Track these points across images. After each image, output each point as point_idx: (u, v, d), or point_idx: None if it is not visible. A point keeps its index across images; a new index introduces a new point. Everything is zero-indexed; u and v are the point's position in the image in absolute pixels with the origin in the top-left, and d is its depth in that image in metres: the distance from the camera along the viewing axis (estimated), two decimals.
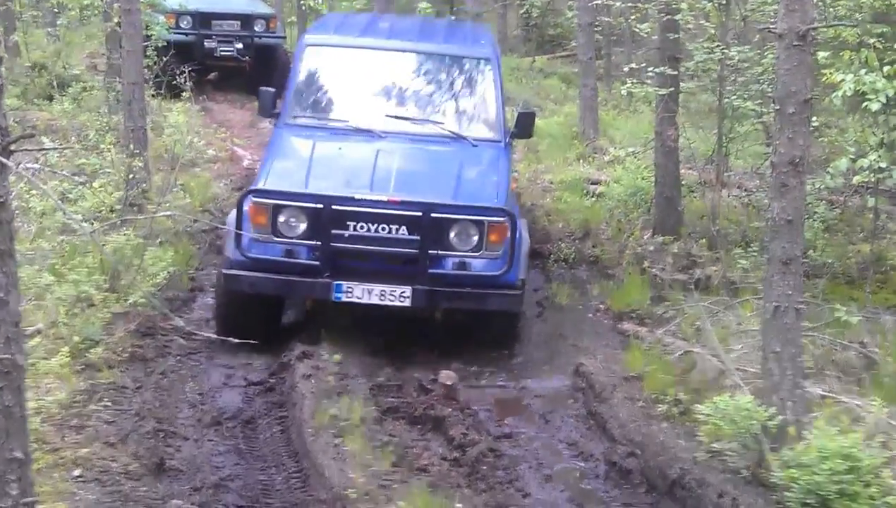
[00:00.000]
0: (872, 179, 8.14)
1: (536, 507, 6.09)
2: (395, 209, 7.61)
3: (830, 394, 6.65)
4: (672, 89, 10.70)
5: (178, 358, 7.73)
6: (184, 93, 11.77)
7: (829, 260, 9.66)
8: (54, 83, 14.18)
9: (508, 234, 7.74)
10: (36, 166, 5.46)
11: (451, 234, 7.72)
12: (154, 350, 7.66)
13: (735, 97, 10.48)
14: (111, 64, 13.15)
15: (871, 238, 9.36)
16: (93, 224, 8.03)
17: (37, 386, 6.34)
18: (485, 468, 6.32)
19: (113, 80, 12.37)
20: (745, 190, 11.87)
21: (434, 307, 7.94)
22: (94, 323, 7.37)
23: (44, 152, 9.62)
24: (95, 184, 9.43)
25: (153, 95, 12.48)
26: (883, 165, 7.47)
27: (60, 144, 10.62)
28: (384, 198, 7.60)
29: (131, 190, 9.34)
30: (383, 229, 7.60)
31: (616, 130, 15.95)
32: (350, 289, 7.56)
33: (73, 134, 11.95)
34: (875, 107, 7.20)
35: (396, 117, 8.73)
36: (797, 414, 5.84)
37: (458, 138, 8.68)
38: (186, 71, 11.62)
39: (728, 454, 6.10)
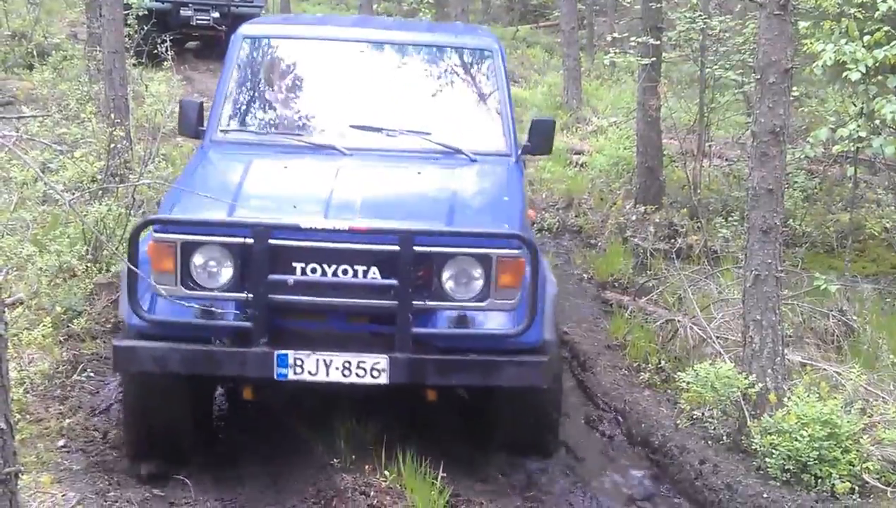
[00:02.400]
0: (852, 149, 8.18)
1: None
2: (361, 242, 5.27)
3: (810, 362, 6.71)
4: (654, 59, 10.71)
5: None
6: (165, 63, 11.71)
7: (809, 230, 9.73)
8: (34, 52, 14.11)
9: (527, 272, 5.36)
10: (15, 134, 5.45)
11: (444, 276, 5.37)
12: None
13: (716, 67, 10.51)
14: (91, 32, 13.05)
15: (849, 207, 9.42)
16: (73, 194, 7.98)
17: (20, 357, 6.35)
18: None
19: (93, 49, 12.29)
20: (727, 159, 11.92)
21: (420, 384, 5.52)
22: (76, 294, 7.37)
23: (24, 122, 9.57)
24: (76, 154, 9.36)
25: (134, 64, 12.41)
26: (862, 135, 7.49)
27: (41, 113, 10.55)
28: (344, 227, 5.21)
29: (113, 160, 9.29)
30: (345, 272, 5.29)
31: (599, 100, 15.97)
32: (299, 363, 5.26)
33: (53, 103, 11.88)
34: (855, 76, 7.22)
35: (365, 128, 6.43)
36: (777, 382, 5.89)
37: (451, 153, 6.40)
38: (167, 40, 11.55)
39: (709, 421, 6.16)
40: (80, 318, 7.17)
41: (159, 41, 11.70)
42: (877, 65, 7.20)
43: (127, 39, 11.26)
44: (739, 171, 11.01)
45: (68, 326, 7.08)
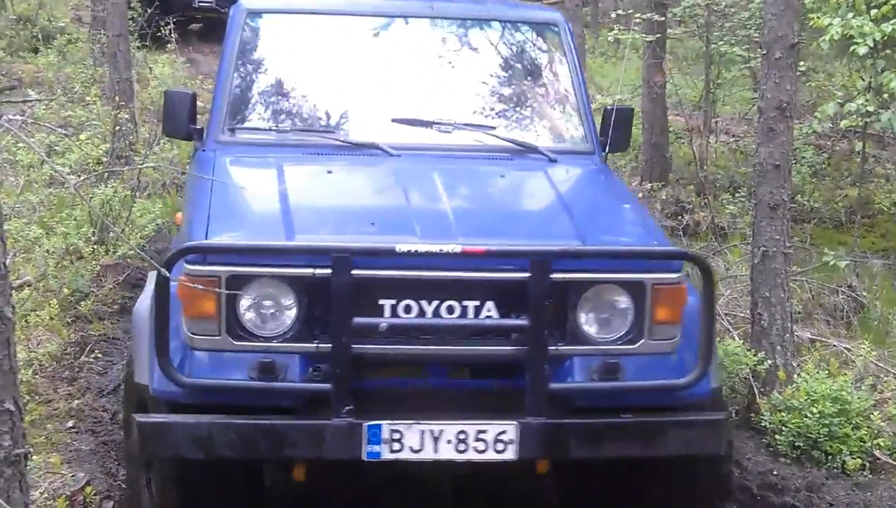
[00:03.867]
0: (860, 123, 8.13)
1: None
2: (476, 268, 4.02)
3: (819, 338, 6.69)
4: (659, 36, 10.67)
5: None
6: (169, 45, 11.69)
7: (817, 205, 9.70)
8: (39, 35, 14.07)
9: (688, 302, 4.24)
10: (20, 118, 5.47)
11: (583, 311, 4.13)
12: None
13: (722, 43, 10.46)
14: (95, 16, 13.02)
15: (858, 182, 9.37)
16: (79, 176, 7.97)
17: (28, 339, 6.35)
18: None
19: (98, 32, 12.27)
20: (733, 135, 11.89)
21: (559, 457, 4.28)
22: (83, 276, 7.36)
23: (30, 105, 9.57)
24: (82, 137, 9.37)
25: (138, 47, 12.40)
26: (870, 109, 7.46)
27: (46, 97, 10.55)
28: (456, 250, 3.92)
29: (118, 142, 9.28)
30: (451, 310, 4.02)
31: (603, 78, 15.89)
32: (397, 436, 3.95)
33: (58, 86, 11.87)
34: (862, 51, 7.18)
35: (414, 123, 5.20)
36: (786, 358, 5.88)
37: (523, 151, 5.19)
38: (171, 22, 11.53)
39: None
40: (88, 300, 7.17)
41: (163, 24, 11.68)
42: (885, 38, 7.17)
43: (131, 22, 11.27)
44: (746, 147, 10.97)
45: (76, 308, 7.07)
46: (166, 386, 3.95)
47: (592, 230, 4.35)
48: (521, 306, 4.01)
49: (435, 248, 3.91)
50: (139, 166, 8.08)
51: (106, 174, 8.44)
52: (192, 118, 5.35)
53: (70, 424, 5.76)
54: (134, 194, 8.40)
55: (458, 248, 3.91)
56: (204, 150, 5.11)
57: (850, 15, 7.18)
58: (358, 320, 3.93)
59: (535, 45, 5.82)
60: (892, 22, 7.05)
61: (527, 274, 3.96)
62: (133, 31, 11.60)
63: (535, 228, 4.57)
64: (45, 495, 4.86)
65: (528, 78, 5.73)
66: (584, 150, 5.35)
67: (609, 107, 5.58)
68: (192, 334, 3.94)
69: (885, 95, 7.50)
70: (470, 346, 4.07)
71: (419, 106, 5.31)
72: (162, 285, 3.82)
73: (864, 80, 7.90)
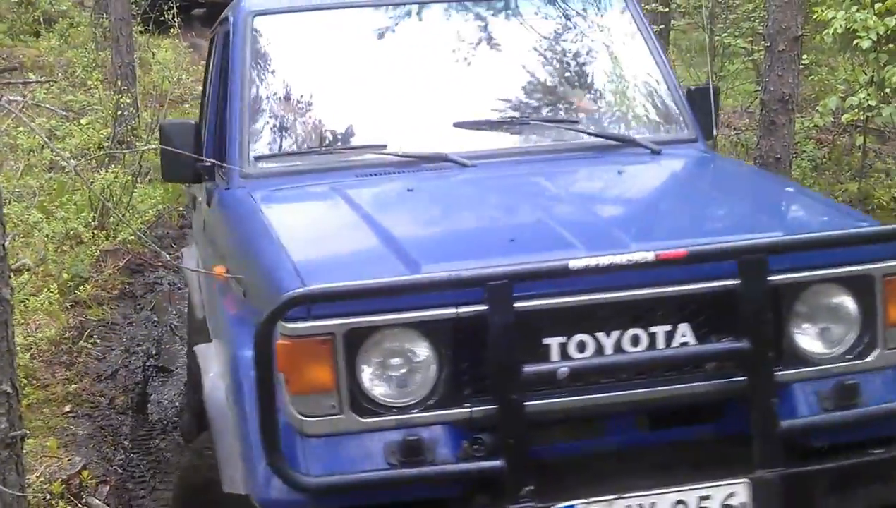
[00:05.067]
0: (861, 118, 8.12)
1: None
2: (667, 280, 3.08)
3: None
4: (662, 27, 10.66)
5: (167, 294, 7.75)
6: (171, 30, 11.67)
7: None
8: (41, 19, 14.03)
9: None
10: (20, 99, 5.43)
11: (799, 321, 3.25)
12: (143, 286, 7.67)
13: (726, 35, 10.44)
14: (98, 0, 13.02)
15: (858, 176, 9.36)
16: (80, 161, 7.97)
17: (26, 323, 6.35)
18: None
19: (100, 16, 12.25)
20: (735, 128, 11.86)
21: None
22: (83, 261, 7.36)
23: (31, 89, 9.56)
24: (83, 121, 9.37)
25: (140, 32, 12.37)
26: (872, 103, 7.44)
27: (47, 80, 10.54)
28: (646, 257, 3.00)
29: (119, 127, 9.28)
30: (636, 340, 3.10)
31: None
32: None
33: (60, 70, 11.85)
34: (866, 44, 7.16)
35: (477, 125, 4.31)
36: None
37: (617, 146, 4.33)
38: (174, 7, 11.51)
39: None
40: (87, 285, 7.17)
41: (165, 8, 11.65)
42: (888, 33, 7.15)
43: (133, 7, 11.23)
44: (748, 140, 10.95)
45: (75, 293, 7.07)
46: (281, 493, 2.96)
47: (782, 219, 3.63)
48: (725, 324, 3.11)
49: (621, 259, 2.98)
50: (141, 149, 8.07)
51: (107, 159, 8.43)
52: (200, 152, 4.30)
53: (67, 408, 5.76)
54: (135, 179, 8.41)
55: (649, 256, 2.98)
56: (229, 191, 4.09)
57: (854, 9, 7.15)
58: (529, 368, 2.97)
59: (599, 19, 4.86)
60: (895, 16, 7.04)
61: (736, 281, 3.06)
62: (136, 16, 11.57)
63: (716, 225, 3.62)
64: (42, 479, 4.86)
65: (600, 59, 4.78)
66: (687, 138, 4.48)
67: (693, 88, 4.81)
68: (303, 416, 2.94)
69: (888, 90, 7.48)
70: (666, 386, 3.12)
71: (478, 105, 4.39)
72: (263, 356, 2.88)
73: (866, 74, 7.88)
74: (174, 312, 7.38)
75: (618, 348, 3.07)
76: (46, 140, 5.96)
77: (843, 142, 10.46)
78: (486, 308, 2.95)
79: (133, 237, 7.64)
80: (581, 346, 3.06)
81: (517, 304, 2.96)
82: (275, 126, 4.39)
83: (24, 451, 3.66)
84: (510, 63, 4.61)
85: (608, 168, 4.17)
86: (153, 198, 8.62)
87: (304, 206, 4.07)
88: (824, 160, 10.29)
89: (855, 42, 7.23)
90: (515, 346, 2.96)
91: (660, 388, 3.12)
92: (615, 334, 3.08)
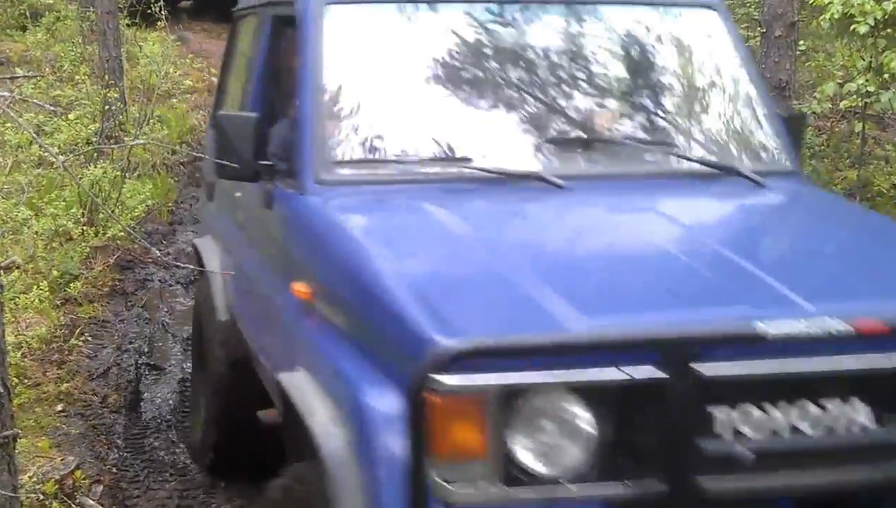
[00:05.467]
0: (860, 104, 8.06)
1: None
2: (859, 349, 2.76)
3: None
4: None
5: (158, 291, 7.66)
6: (159, 23, 11.57)
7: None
8: (27, 13, 13.91)
9: None
10: (8, 95, 5.32)
11: None
12: (134, 283, 7.59)
13: None
14: None
15: (857, 164, 9.31)
16: (68, 156, 7.88)
17: (17, 321, 6.28)
18: None
19: (87, 10, 12.13)
20: None
21: None
22: (72, 258, 7.28)
23: (18, 83, 9.47)
24: (71, 116, 9.28)
25: (128, 25, 12.27)
26: (871, 89, 7.39)
27: (35, 74, 10.44)
28: (846, 328, 2.65)
29: (107, 122, 9.19)
30: (817, 420, 2.74)
31: None
32: None
33: (47, 65, 11.75)
34: (863, 30, 7.11)
35: (572, 143, 4.03)
36: None
37: (717, 175, 3.99)
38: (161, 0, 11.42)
39: None
40: (77, 282, 7.10)
41: (153, 1, 11.55)
42: (886, 18, 7.09)
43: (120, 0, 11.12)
44: None
45: (65, 290, 7.00)
46: None
47: None
48: None
49: (816, 329, 2.64)
50: (129, 144, 7.98)
51: (95, 154, 8.35)
52: (260, 150, 3.96)
53: (59, 407, 5.71)
54: (124, 175, 8.32)
55: (848, 326, 2.65)
56: (301, 195, 3.76)
57: None
58: (711, 445, 2.64)
59: (691, 34, 4.49)
60: (893, 0, 6.98)
61: None
62: (122, 9, 11.47)
63: (881, 281, 3.19)
64: (34, 479, 4.81)
65: (693, 78, 4.43)
66: (789, 170, 4.14)
67: (785, 116, 4.46)
68: (448, 483, 2.60)
69: (886, 76, 7.43)
70: (862, 471, 2.76)
71: (570, 120, 4.07)
72: (418, 416, 2.56)
73: (864, 59, 7.82)
74: (166, 309, 7.30)
75: (794, 428, 2.74)
76: (35, 136, 5.85)
77: (842, 129, 10.43)
78: (662, 373, 2.61)
79: (123, 233, 7.54)
80: (766, 422, 2.72)
81: (698, 370, 2.62)
82: (351, 129, 3.98)
83: (17, 451, 3.60)
84: (601, 78, 4.27)
85: (722, 202, 3.91)
86: (142, 193, 8.55)
87: (404, 227, 3.64)
88: (823, 147, 10.26)
89: (852, 27, 7.17)
90: (693, 418, 2.64)
91: (856, 472, 2.76)
92: (795, 410, 2.74)
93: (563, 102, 4.11)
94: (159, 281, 7.73)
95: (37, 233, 7.32)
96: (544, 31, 4.27)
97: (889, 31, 7.41)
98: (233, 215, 4.94)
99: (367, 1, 4.25)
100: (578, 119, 4.08)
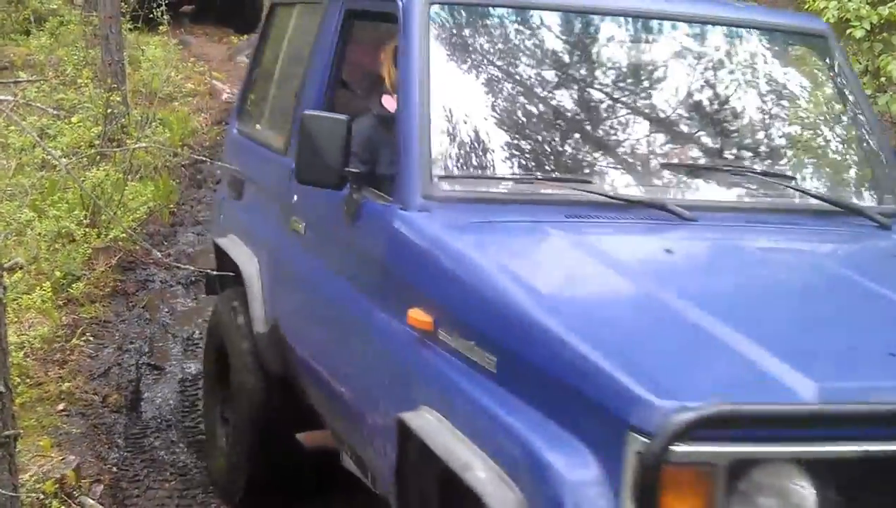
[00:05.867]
0: None
1: None
2: None
3: None
4: None
5: (160, 291, 7.70)
6: (160, 27, 11.62)
7: None
8: (31, 17, 13.95)
9: None
10: (12, 100, 5.36)
11: None
12: (135, 284, 7.63)
13: None
14: None
15: None
16: (71, 159, 7.92)
17: (19, 321, 6.31)
18: None
19: (90, 14, 12.17)
20: None
21: None
22: (75, 259, 7.32)
23: (21, 87, 9.50)
24: (74, 120, 9.34)
25: (130, 29, 12.31)
26: (867, 93, 7.42)
27: (38, 78, 10.48)
28: None
29: (110, 125, 9.23)
30: None
31: None
32: None
33: (50, 69, 11.78)
34: (859, 34, 7.15)
35: (692, 169, 3.82)
36: None
37: (839, 214, 3.76)
38: (163, 4, 11.46)
39: None
40: (79, 282, 7.13)
41: (155, 5, 11.59)
42: (882, 21, 7.12)
43: (123, 4, 11.17)
44: None
45: (67, 290, 7.03)
46: None
47: None
48: None
49: None
50: (131, 148, 8.02)
51: (98, 157, 8.39)
52: (346, 156, 3.64)
53: (61, 407, 5.72)
54: (126, 177, 8.36)
55: None
56: (403, 210, 3.45)
57: None
58: None
59: (802, 62, 4.28)
60: (889, 5, 7.02)
61: None
62: (125, 13, 11.50)
63: None
64: (35, 478, 4.81)
65: (806, 108, 4.18)
66: None
67: None
68: None
69: (883, 79, 7.46)
70: None
71: (686, 144, 3.85)
72: (651, 488, 2.35)
73: (860, 63, 7.85)
74: (166, 310, 7.33)
75: None
76: (38, 139, 5.91)
77: None
78: None
79: (124, 235, 7.58)
80: None
81: None
82: (460, 140, 3.65)
83: (17, 450, 3.63)
84: (713, 103, 4.04)
85: (863, 244, 3.65)
86: (144, 195, 8.59)
87: (552, 260, 3.30)
88: None
89: (848, 31, 7.20)
90: None
91: None
92: None
93: (679, 126, 3.92)
94: (160, 281, 7.77)
95: (40, 234, 7.36)
96: (661, 50, 4.04)
97: (885, 35, 7.45)
98: (282, 219, 4.46)
99: (478, 3, 3.89)
100: (694, 144, 3.88)
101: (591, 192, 3.55)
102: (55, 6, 14.50)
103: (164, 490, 5.15)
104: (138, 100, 10.72)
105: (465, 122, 3.69)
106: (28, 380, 5.86)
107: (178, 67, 12.36)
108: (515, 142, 3.71)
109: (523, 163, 3.69)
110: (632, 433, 2.37)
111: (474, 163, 3.65)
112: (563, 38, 3.95)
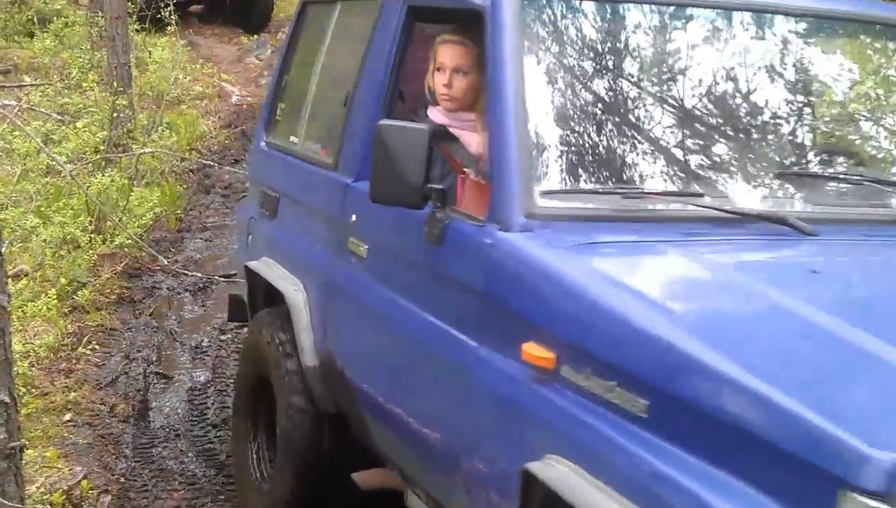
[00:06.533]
0: None
1: None
2: None
3: None
4: None
5: (166, 299, 7.66)
6: (168, 28, 11.57)
7: None
8: (35, 19, 13.91)
9: None
10: (16, 104, 5.33)
11: None
12: (142, 291, 7.58)
13: None
14: None
15: None
16: (76, 165, 7.89)
17: (24, 330, 6.28)
18: None
19: (95, 15, 12.12)
20: None
21: None
22: (80, 265, 7.28)
23: (25, 91, 9.47)
24: (79, 124, 9.30)
25: (137, 30, 12.27)
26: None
27: (42, 82, 10.45)
28: None
29: (116, 129, 9.19)
30: None
31: None
32: None
33: (55, 72, 11.75)
34: None
35: (811, 177, 3.50)
36: None
37: None
38: (170, 4, 11.40)
39: None
40: (85, 290, 7.09)
41: (162, 5, 11.53)
42: None
43: (129, 4, 11.12)
44: None
45: (73, 298, 6.99)
46: None
47: None
48: None
49: None
50: (137, 153, 7.98)
51: (103, 162, 8.35)
52: (427, 172, 3.26)
53: (67, 417, 5.69)
54: (132, 183, 8.32)
55: None
56: (503, 231, 3.08)
57: None
58: None
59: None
60: None
61: None
62: (131, 14, 11.44)
63: None
64: (42, 489, 4.81)
65: None
66: None
67: None
68: None
69: None
70: None
71: (799, 153, 3.54)
72: None
73: None
74: (174, 317, 7.29)
75: None
76: (42, 145, 5.88)
77: None
78: None
79: (130, 241, 7.54)
80: None
81: None
82: (561, 151, 3.32)
83: (24, 462, 3.61)
84: (830, 107, 3.75)
85: None
86: (150, 201, 8.54)
87: (684, 283, 2.99)
88: None
89: None
90: None
91: None
92: None
93: (793, 132, 3.59)
94: (167, 289, 7.72)
95: (45, 240, 7.33)
96: (777, 48, 3.71)
97: None
98: (334, 240, 4.11)
99: None
100: (808, 152, 3.56)
101: (706, 207, 3.21)
102: (59, 7, 14.48)
103: (173, 501, 5.10)
104: (145, 103, 10.70)
105: (566, 131, 3.36)
106: (34, 390, 5.82)
107: (186, 69, 12.32)
108: (620, 152, 3.40)
109: (629, 175, 3.35)
110: (849, 491, 2.09)
111: (578, 176, 3.31)
112: (673, 35, 3.64)
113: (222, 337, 6.91)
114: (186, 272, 6.70)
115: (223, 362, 6.57)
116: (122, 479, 5.20)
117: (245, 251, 5.13)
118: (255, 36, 15.27)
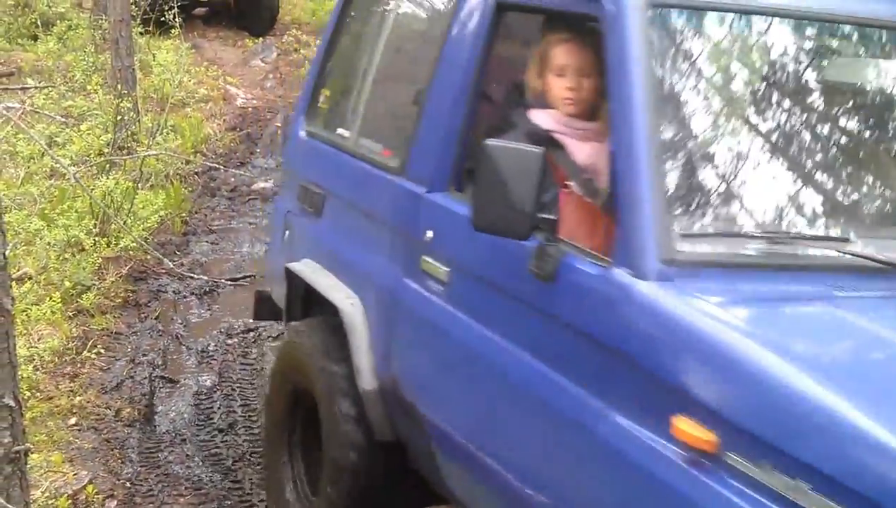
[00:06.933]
0: None
1: None
2: None
3: None
4: None
5: (172, 302, 7.61)
6: (173, 31, 11.55)
7: None
8: (38, 22, 13.89)
9: None
10: (20, 107, 5.28)
11: None
12: (147, 295, 7.53)
13: None
14: (97, 0, 12.88)
15: None
16: (80, 167, 7.85)
17: (29, 334, 6.25)
18: None
19: (99, 18, 12.11)
20: None
21: None
22: (84, 269, 7.24)
23: (29, 94, 9.46)
24: (83, 127, 9.28)
25: (141, 33, 12.25)
26: None
27: (46, 85, 10.43)
28: None
29: (120, 132, 9.16)
30: None
31: None
32: None
33: (58, 75, 11.73)
34: None
35: None
36: None
37: None
38: (175, 6, 11.38)
39: None
40: (90, 293, 7.05)
41: (166, 8, 11.51)
42: None
43: (133, 7, 11.09)
44: None
45: (77, 301, 6.95)
46: None
47: None
48: None
49: None
50: (142, 156, 7.94)
51: (108, 165, 8.32)
52: (539, 199, 2.87)
53: (72, 421, 5.65)
54: (136, 185, 8.28)
55: None
56: (637, 276, 2.70)
57: None
58: None
59: None
60: None
61: None
62: (135, 16, 11.42)
63: None
64: (47, 494, 4.78)
65: None
66: None
67: None
68: None
69: None
70: None
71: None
72: None
73: None
74: (179, 321, 7.23)
75: None
76: (46, 147, 5.83)
77: None
78: None
79: (135, 244, 7.49)
80: None
81: None
82: (698, 187, 2.92)
83: (28, 466, 3.57)
84: None
85: None
86: (155, 204, 8.50)
87: (868, 353, 2.58)
88: None
89: None
90: None
91: None
92: None
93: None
94: (173, 292, 7.67)
95: (49, 243, 7.29)
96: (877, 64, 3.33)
97: None
98: (402, 255, 3.74)
99: (709, 7, 3.11)
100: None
101: (858, 255, 2.79)
102: (63, 10, 14.46)
103: (179, 506, 5.06)
104: (149, 106, 10.67)
105: (701, 164, 2.95)
106: (38, 394, 5.79)
107: (190, 72, 12.30)
108: (763, 188, 2.95)
109: (773, 216, 2.93)
110: None
111: (718, 216, 2.90)
112: (820, 58, 3.24)
113: (229, 341, 6.86)
114: (192, 275, 6.66)
115: (229, 366, 6.52)
116: (128, 484, 5.15)
117: (280, 247, 4.73)
118: (261, 39, 15.24)
